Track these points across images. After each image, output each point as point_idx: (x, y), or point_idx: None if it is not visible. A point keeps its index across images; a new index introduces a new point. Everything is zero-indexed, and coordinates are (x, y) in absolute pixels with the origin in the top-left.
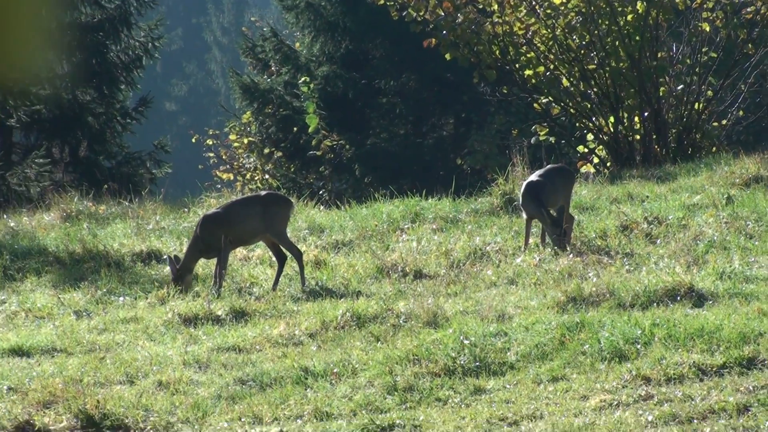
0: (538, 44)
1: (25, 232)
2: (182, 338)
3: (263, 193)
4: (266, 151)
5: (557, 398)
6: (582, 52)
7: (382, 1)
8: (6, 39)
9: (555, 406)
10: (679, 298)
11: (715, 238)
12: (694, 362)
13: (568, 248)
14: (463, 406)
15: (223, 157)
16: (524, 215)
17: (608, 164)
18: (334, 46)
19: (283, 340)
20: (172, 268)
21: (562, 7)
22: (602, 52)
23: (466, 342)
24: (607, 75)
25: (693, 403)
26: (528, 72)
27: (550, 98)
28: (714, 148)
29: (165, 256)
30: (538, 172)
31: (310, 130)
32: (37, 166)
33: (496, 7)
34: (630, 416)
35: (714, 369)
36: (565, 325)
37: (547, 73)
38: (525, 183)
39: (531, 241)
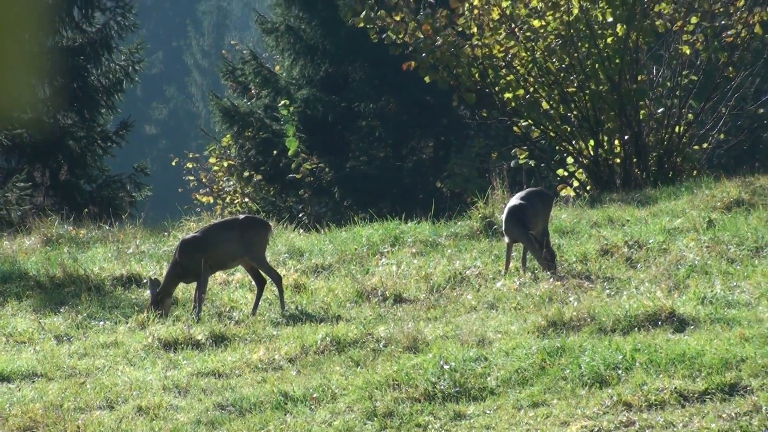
0: (518, 67)
1: (5, 257)
2: (162, 363)
3: (241, 216)
4: (246, 174)
5: (538, 424)
6: (562, 75)
7: (361, 24)
8: None
9: (535, 431)
10: (660, 323)
11: (696, 262)
12: (675, 388)
13: (558, 268)
14: (443, 431)
15: (203, 180)
16: (506, 239)
17: (588, 188)
18: (314, 69)
19: (263, 365)
20: (152, 291)
21: (542, 30)
22: (582, 75)
23: (446, 367)
24: (587, 98)
25: (675, 429)
26: (507, 95)
27: (529, 121)
28: (695, 172)
29: (146, 279)
30: (519, 195)
31: (289, 153)
32: (18, 190)
33: (475, 29)
34: None
35: (696, 395)
36: (546, 350)
37: (527, 96)
38: (507, 207)
39: (511, 265)
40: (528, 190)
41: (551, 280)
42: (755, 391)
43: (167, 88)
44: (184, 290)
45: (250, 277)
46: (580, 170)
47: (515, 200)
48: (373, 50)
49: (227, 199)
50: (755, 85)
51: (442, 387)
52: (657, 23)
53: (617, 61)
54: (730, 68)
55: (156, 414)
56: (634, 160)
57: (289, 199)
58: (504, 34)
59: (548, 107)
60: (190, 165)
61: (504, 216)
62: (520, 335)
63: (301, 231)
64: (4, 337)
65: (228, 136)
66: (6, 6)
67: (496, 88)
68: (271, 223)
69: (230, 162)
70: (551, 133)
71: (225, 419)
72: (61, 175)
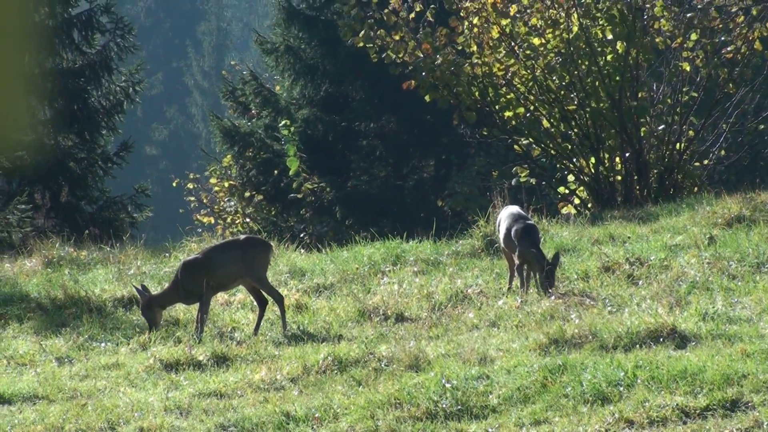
0: (518, 85)
1: (6, 279)
2: (163, 384)
3: (242, 237)
4: (247, 194)
5: None
6: (562, 92)
7: (361, 44)
8: None
9: None
10: (661, 339)
11: (698, 278)
12: (677, 404)
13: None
14: None
15: (204, 200)
16: (516, 259)
17: (589, 205)
18: (314, 89)
19: (265, 385)
20: (142, 296)
21: (542, 48)
22: (582, 93)
23: (448, 385)
24: (587, 116)
25: None
26: (508, 113)
27: (530, 139)
28: (696, 188)
29: (132, 285)
30: (515, 214)
31: (290, 173)
32: (18, 212)
33: (475, 48)
34: None
35: (697, 411)
36: (548, 368)
37: (528, 115)
38: (521, 226)
39: (514, 284)
40: (515, 210)
41: (552, 297)
42: (757, 407)
43: (167, 109)
44: (186, 311)
45: (251, 297)
46: (581, 188)
47: (518, 219)
48: (373, 70)
49: (228, 220)
50: (756, 101)
51: (444, 405)
52: (657, 40)
53: (617, 78)
54: (731, 84)
55: None
56: (635, 177)
57: (290, 218)
58: (504, 52)
59: (549, 125)
60: (190, 185)
61: (515, 235)
62: (522, 353)
63: (303, 251)
64: (5, 359)
65: (229, 156)
66: (6, 28)
67: (497, 107)
68: (272, 243)
69: (231, 182)
70: (552, 151)
71: None
72: (61, 197)
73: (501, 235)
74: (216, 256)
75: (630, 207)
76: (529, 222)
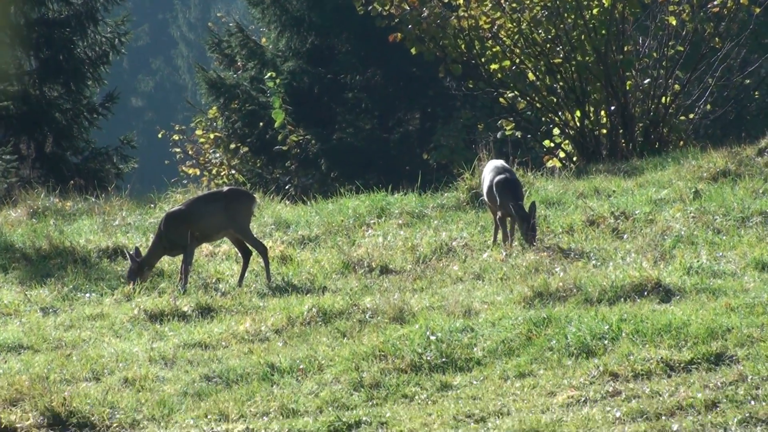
0: (504, 38)
1: None
2: (148, 335)
3: (225, 188)
4: (232, 146)
5: (524, 394)
6: (548, 46)
7: None
8: None
9: (522, 402)
10: (646, 293)
11: (683, 232)
12: (661, 358)
13: (539, 239)
14: (429, 402)
15: (190, 152)
16: (498, 213)
17: (574, 159)
18: (300, 42)
19: (249, 336)
20: (132, 261)
21: (528, 1)
22: (568, 46)
23: (432, 338)
24: (573, 69)
25: (661, 399)
26: (494, 66)
27: (516, 93)
28: (681, 142)
29: (125, 250)
30: (497, 166)
31: (276, 125)
32: (4, 163)
33: (461, 1)
34: (597, 412)
35: (682, 365)
36: (532, 321)
37: (513, 68)
38: (503, 179)
39: (498, 237)
40: (499, 162)
41: (536, 250)
42: (741, 361)
43: (153, 61)
44: (170, 262)
45: (236, 248)
46: (567, 141)
47: (501, 172)
48: (360, 22)
49: (214, 171)
50: (741, 56)
51: (428, 358)
52: None
53: (603, 32)
54: (717, 39)
55: (142, 385)
56: (621, 131)
57: (275, 170)
58: (490, 5)
59: (534, 78)
60: (176, 137)
61: (496, 188)
62: (507, 306)
63: (288, 203)
64: None
65: (214, 108)
66: None
67: (483, 60)
68: (256, 195)
69: (217, 134)
70: (537, 105)
71: (211, 390)
72: (46, 147)
73: (485, 189)
74: (199, 208)
75: (615, 161)
76: (511, 175)
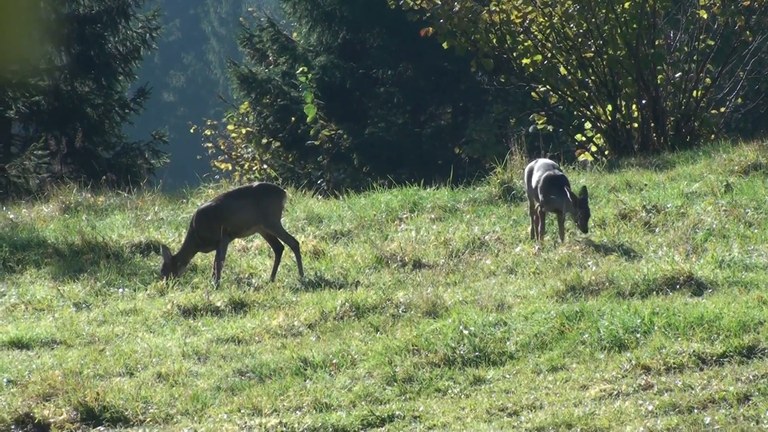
0: (536, 32)
1: (24, 224)
2: (181, 330)
3: (255, 184)
4: (264, 141)
5: (557, 388)
6: (579, 40)
7: None
8: (5, 31)
9: (555, 395)
10: (678, 286)
11: (714, 226)
12: (693, 351)
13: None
14: (462, 396)
15: (222, 147)
16: (542, 209)
17: (606, 153)
18: (332, 36)
19: (282, 331)
20: (166, 256)
21: None
22: (599, 40)
23: (465, 332)
24: (604, 63)
25: (693, 392)
26: (525, 60)
27: (547, 87)
28: (712, 136)
29: (160, 246)
30: (548, 164)
31: (308, 119)
32: (35, 158)
33: None
34: (630, 406)
35: (714, 358)
36: (565, 315)
37: (545, 62)
38: (553, 175)
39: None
40: (551, 161)
41: (569, 244)
42: None
43: (185, 56)
44: (203, 258)
45: (268, 243)
46: (598, 135)
47: (550, 169)
48: (391, 17)
49: (246, 166)
50: None
51: (461, 352)
52: None
53: (635, 25)
54: (747, 32)
55: (175, 380)
56: (652, 124)
57: (307, 165)
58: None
59: (566, 72)
60: (208, 132)
61: (544, 185)
62: (539, 300)
63: (320, 197)
64: (24, 304)
65: (246, 103)
66: None
67: (514, 54)
68: (286, 190)
69: (248, 129)
70: (569, 99)
71: (245, 385)
72: (77, 143)
73: (533, 183)
74: (229, 204)
75: (647, 154)
76: (561, 173)
